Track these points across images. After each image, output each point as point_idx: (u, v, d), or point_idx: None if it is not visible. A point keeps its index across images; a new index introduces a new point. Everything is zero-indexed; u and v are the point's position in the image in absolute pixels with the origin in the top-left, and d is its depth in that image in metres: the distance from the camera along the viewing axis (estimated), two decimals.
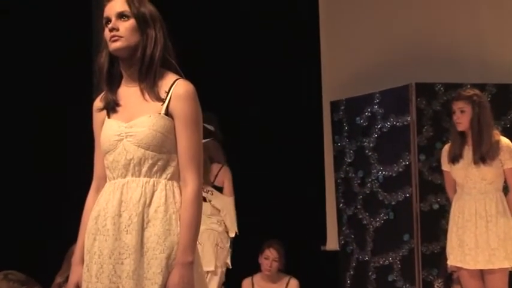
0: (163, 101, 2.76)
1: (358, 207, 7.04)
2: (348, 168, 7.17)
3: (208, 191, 5.45)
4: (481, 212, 5.04)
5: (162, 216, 2.71)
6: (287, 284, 6.18)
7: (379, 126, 6.95)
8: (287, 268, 6.37)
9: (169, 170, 2.77)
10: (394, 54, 7.30)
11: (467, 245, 5.01)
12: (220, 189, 5.53)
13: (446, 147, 5.31)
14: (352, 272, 7.08)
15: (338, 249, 7.29)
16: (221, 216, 5.47)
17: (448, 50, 7.16)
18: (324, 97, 7.69)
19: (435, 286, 6.26)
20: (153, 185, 2.74)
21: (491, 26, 7.20)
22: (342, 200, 7.22)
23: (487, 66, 7.00)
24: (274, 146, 7.53)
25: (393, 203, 6.80)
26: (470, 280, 5.07)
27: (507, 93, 6.77)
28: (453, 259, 5.10)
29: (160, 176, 2.76)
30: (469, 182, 5.09)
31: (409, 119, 6.73)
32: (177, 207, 2.73)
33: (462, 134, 5.16)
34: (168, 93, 2.77)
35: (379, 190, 6.90)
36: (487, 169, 5.05)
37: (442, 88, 6.75)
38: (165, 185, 2.75)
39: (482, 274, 5.06)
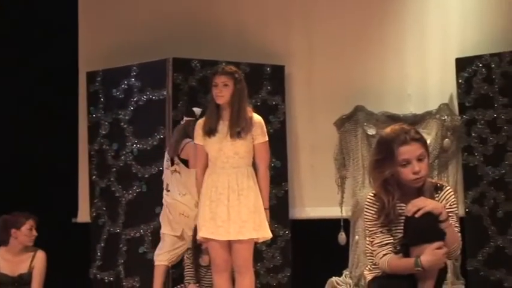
0: None
1: (112, 179, 7.04)
2: (102, 140, 7.13)
3: (178, 163, 6.01)
4: (234, 185, 5.17)
5: None
6: (33, 257, 6.02)
7: (135, 99, 6.98)
8: (36, 240, 6.21)
9: None
10: (155, 29, 7.34)
11: (220, 217, 5.14)
12: (185, 162, 5.99)
13: (201, 121, 5.38)
14: (103, 244, 7.07)
15: (90, 221, 7.24)
16: (186, 188, 5.96)
17: (206, 27, 7.31)
18: (80, 67, 7.58)
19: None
20: None
21: (250, 7, 7.45)
22: (95, 172, 7.18)
23: (243, 46, 7.23)
24: (28, 114, 7.31)
25: (146, 175, 6.87)
26: (219, 250, 5.20)
27: (260, 73, 7.05)
28: (205, 231, 5.18)
29: None
30: (223, 156, 5.21)
31: (165, 93, 6.82)
32: None
33: (218, 109, 5.28)
34: None
35: (133, 163, 6.94)
36: (240, 143, 5.19)
37: (198, 64, 6.91)
38: None
39: (230, 245, 5.24)
